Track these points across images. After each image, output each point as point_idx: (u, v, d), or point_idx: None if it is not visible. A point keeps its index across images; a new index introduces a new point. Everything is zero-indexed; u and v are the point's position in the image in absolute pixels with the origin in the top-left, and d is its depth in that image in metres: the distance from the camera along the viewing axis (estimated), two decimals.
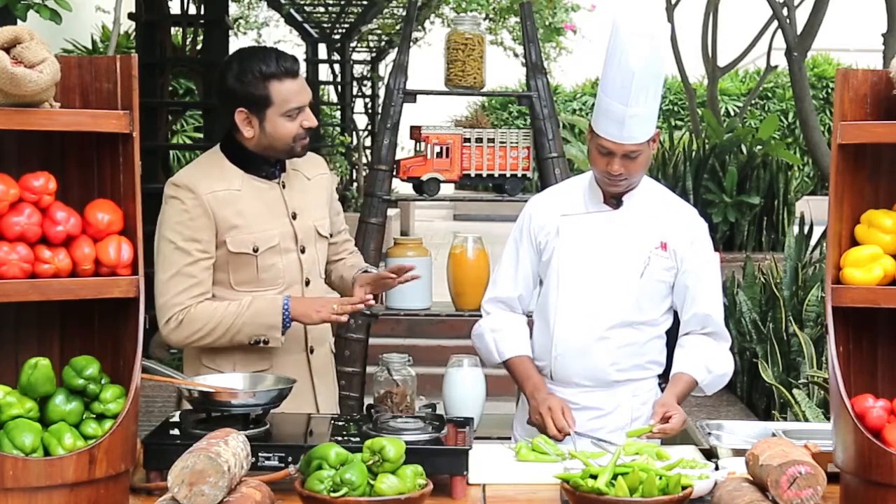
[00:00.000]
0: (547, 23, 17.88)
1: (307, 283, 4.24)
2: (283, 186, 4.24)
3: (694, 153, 12.69)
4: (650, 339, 4.25)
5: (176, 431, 3.61)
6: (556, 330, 4.23)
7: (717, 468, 3.55)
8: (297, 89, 4.14)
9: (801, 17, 11.56)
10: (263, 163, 4.22)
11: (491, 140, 6.05)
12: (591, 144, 4.13)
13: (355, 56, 22.28)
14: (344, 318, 4.17)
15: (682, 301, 4.24)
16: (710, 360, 4.22)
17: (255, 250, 4.15)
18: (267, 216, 4.19)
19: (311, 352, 4.31)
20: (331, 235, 4.38)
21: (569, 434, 4.00)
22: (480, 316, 4.46)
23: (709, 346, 4.24)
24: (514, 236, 4.39)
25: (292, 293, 4.20)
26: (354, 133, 20.79)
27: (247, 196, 4.17)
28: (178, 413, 3.81)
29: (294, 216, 4.23)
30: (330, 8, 19.20)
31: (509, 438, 4.39)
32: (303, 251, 4.24)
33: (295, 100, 4.12)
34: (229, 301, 4.14)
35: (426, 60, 11.37)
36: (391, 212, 11.71)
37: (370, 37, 22.26)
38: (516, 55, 18.87)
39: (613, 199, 4.22)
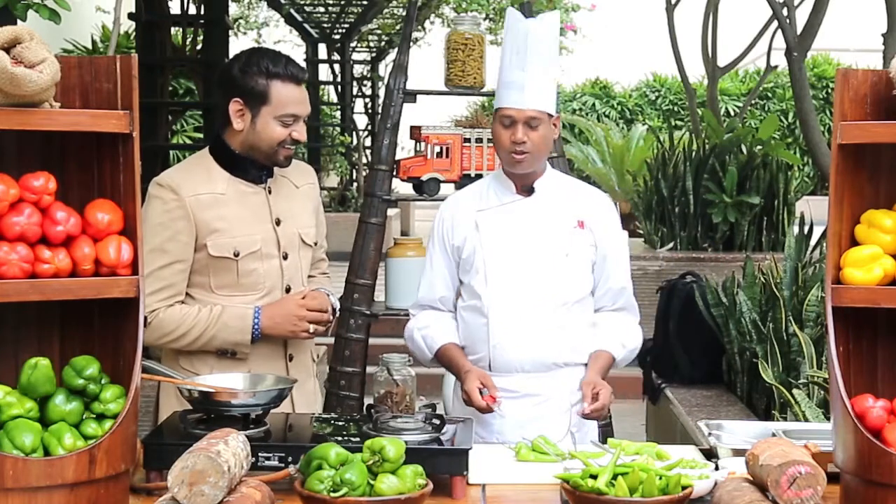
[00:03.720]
0: None
1: (288, 289, 4.24)
2: (269, 192, 4.25)
3: (694, 153, 12.66)
4: (582, 322, 4.34)
5: (176, 431, 3.61)
6: (491, 320, 4.28)
7: (717, 468, 3.56)
8: (297, 97, 4.15)
9: (801, 17, 11.55)
10: (251, 166, 4.21)
11: (490, 140, 6.05)
12: (496, 125, 4.28)
13: (355, 56, 22.30)
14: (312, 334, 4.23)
15: (598, 277, 4.38)
16: (624, 335, 4.38)
17: (236, 255, 4.15)
18: (250, 221, 4.19)
19: (290, 360, 4.31)
20: (315, 244, 4.37)
21: (493, 405, 4.12)
22: None
23: (621, 321, 4.41)
24: (430, 241, 4.52)
25: (272, 300, 4.22)
26: (354, 133, 20.81)
27: (231, 200, 4.17)
28: (173, 413, 3.80)
29: (278, 222, 4.23)
30: (330, 8, 19.22)
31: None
32: (285, 258, 4.24)
33: (293, 107, 4.13)
34: (200, 307, 4.16)
35: (426, 60, 11.39)
36: (391, 212, 11.70)
37: (370, 37, 22.29)
38: None
39: (524, 189, 4.33)
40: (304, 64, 20.33)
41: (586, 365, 4.31)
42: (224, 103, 4.18)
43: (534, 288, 4.26)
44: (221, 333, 4.14)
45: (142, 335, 3.26)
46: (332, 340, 6.10)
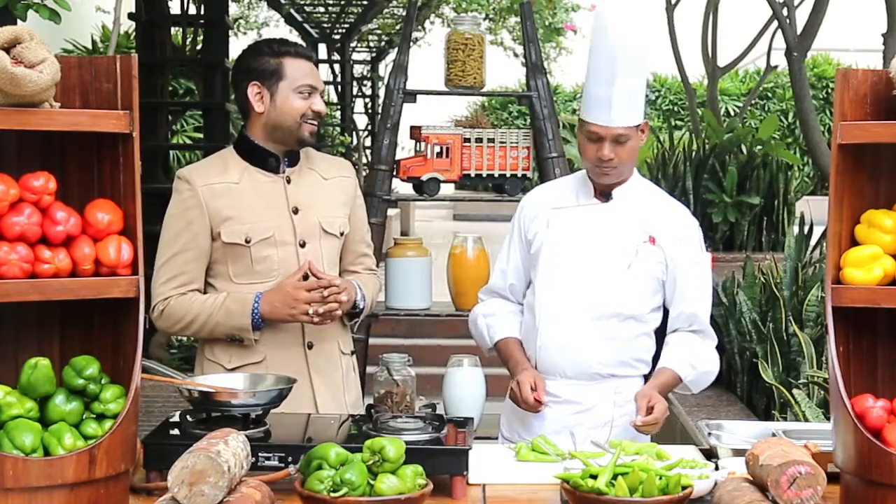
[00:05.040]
0: (547, 23, 17.92)
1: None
2: (289, 181, 4.27)
3: (694, 153, 12.70)
4: (637, 336, 4.26)
5: (176, 431, 3.61)
6: (540, 320, 4.25)
7: (717, 468, 3.55)
8: (310, 70, 4.26)
9: (801, 17, 11.56)
10: (269, 156, 4.26)
11: (491, 140, 6.06)
12: (581, 136, 4.20)
13: (355, 56, 22.33)
14: (316, 320, 4.19)
15: (671, 298, 4.27)
16: (695, 357, 4.24)
17: (248, 241, 4.18)
18: (264, 208, 4.23)
19: (310, 347, 4.30)
20: (341, 234, 4.37)
21: (539, 407, 4.10)
22: None
23: (695, 343, 4.27)
24: (509, 230, 4.46)
25: None
26: (354, 133, 20.82)
27: (245, 188, 4.23)
28: (177, 413, 3.80)
29: (296, 210, 4.25)
30: (330, 8, 19.23)
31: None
32: (302, 245, 4.25)
33: (308, 78, 4.22)
34: (209, 295, 4.23)
35: (426, 60, 11.39)
36: (391, 212, 11.70)
37: (370, 37, 22.31)
38: (516, 55, 18.91)
39: (603, 194, 4.26)
40: None
41: (644, 379, 4.26)
42: (242, 95, 4.26)
43: (587, 295, 4.20)
44: (225, 320, 4.18)
45: (142, 335, 3.26)
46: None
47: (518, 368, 4.24)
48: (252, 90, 4.22)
